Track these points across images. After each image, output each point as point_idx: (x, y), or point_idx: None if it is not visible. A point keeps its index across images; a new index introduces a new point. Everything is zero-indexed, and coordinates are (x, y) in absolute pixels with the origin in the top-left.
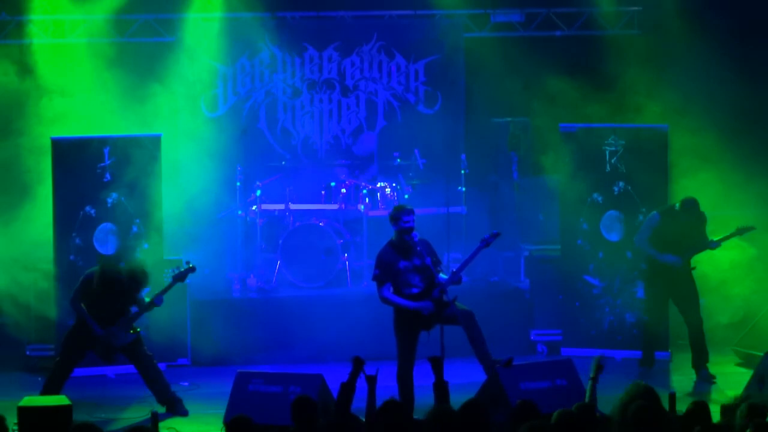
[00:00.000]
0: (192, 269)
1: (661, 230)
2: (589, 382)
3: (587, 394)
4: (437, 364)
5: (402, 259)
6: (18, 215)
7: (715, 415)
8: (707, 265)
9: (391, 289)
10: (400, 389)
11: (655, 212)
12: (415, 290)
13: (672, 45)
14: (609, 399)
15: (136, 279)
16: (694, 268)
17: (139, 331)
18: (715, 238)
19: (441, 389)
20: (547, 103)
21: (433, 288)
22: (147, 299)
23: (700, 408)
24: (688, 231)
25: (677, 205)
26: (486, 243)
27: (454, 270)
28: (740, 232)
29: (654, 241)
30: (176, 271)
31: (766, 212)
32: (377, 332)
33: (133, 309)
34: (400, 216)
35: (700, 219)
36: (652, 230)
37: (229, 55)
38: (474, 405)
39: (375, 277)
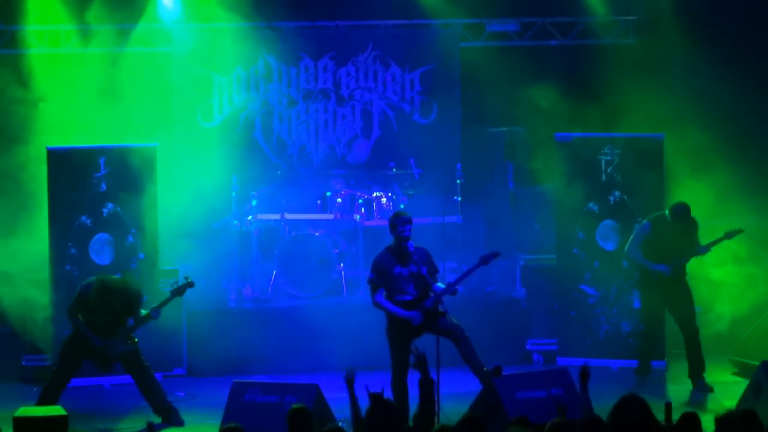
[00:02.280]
0: (190, 284)
1: (652, 239)
2: (581, 395)
3: (583, 408)
4: (421, 364)
5: (398, 266)
6: (16, 225)
7: (708, 424)
8: (712, 271)
9: (384, 294)
10: (394, 397)
11: (645, 221)
12: (407, 297)
13: (667, 54)
14: (604, 409)
15: (130, 300)
16: (687, 274)
17: (137, 342)
18: (705, 244)
19: (426, 386)
20: (543, 113)
21: (426, 297)
22: (144, 312)
23: (690, 420)
24: (680, 238)
25: (667, 212)
26: (484, 262)
27: (450, 282)
28: (729, 236)
29: (645, 250)
30: (174, 286)
31: (764, 222)
32: (373, 341)
33: (130, 321)
34: (396, 225)
35: (692, 225)
36: (643, 239)
37: (225, 65)
38: (471, 421)
39: (369, 281)
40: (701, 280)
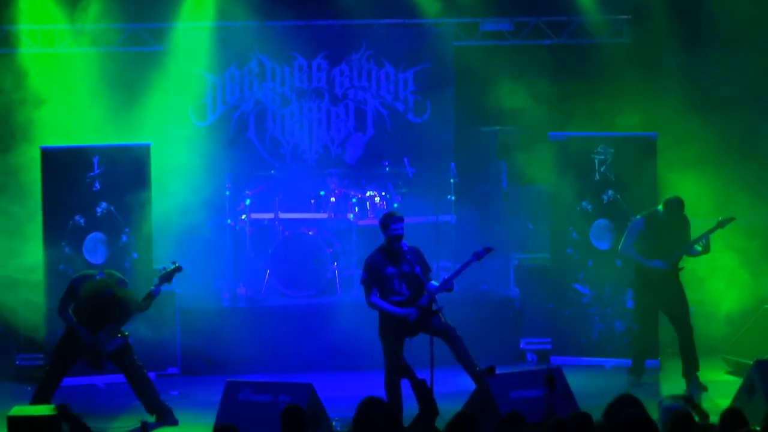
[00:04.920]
0: (178, 269)
1: (646, 235)
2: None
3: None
4: (407, 372)
5: (390, 265)
6: (9, 224)
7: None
8: (699, 270)
9: (378, 294)
10: (387, 396)
11: (639, 217)
12: (400, 298)
13: (661, 53)
14: (597, 408)
15: (118, 294)
16: (681, 269)
17: (127, 335)
18: (698, 235)
19: (421, 390)
20: (536, 112)
21: (421, 296)
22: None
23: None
24: (673, 234)
25: (660, 207)
26: (478, 257)
27: (446, 278)
28: (721, 224)
29: (639, 247)
30: (162, 272)
31: (759, 220)
32: (366, 341)
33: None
34: (389, 224)
35: (684, 221)
36: (638, 235)
37: (218, 64)
38: (464, 417)
39: (363, 282)
40: (696, 279)
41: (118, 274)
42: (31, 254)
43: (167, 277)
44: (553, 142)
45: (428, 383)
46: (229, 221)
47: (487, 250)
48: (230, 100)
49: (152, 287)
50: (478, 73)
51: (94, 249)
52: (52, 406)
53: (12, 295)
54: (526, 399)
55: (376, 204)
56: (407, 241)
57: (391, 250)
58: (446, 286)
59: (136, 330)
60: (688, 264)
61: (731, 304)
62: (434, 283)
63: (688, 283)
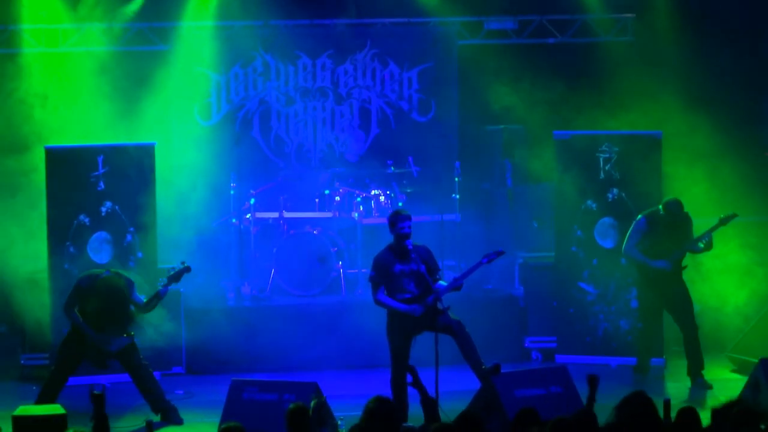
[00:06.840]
0: (187, 269)
1: (649, 234)
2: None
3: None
4: (416, 381)
5: (398, 263)
6: (14, 223)
7: (706, 420)
8: (707, 268)
9: (385, 292)
10: (393, 395)
11: (641, 217)
12: (408, 295)
13: (665, 51)
14: (603, 407)
15: (123, 292)
16: (685, 267)
17: (133, 335)
18: (701, 233)
19: (429, 407)
20: (541, 110)
21: (427, 295)
22: (145, 299)
23: (688, 415)
24: (675, 232)
25: (660, 207)
26: (489, 260)
27: (456, 278)
28: (723, 222)
29: (643, 247)
30: (171, 272)
31: (764, 219)
32: (371, 340)
33: (131, 307)
34: (396, 222)
35: (686, 220)
36: (641, 235)
37: (223, 64)
38: (469, 416)
39: (370, 279)
40: (708, 277)
41: (125, 273)
42: (36, 253)
43: (175, 277)
44: (558, 141)
45: (433, 394)
46: (233, 220)
47: (498, 253)
48: (235, 99)
49: (159, 287)
50: (482, 72)
51: (99, 248)
52: (58, 406)
53: (17, 294)
54: (530, 398)
55: (381, 203)
56: (413, 240)
57: (399, 248)
58: (454, 285)
59: (142, 329)
60: (700, 262)
61: (743, 302)
62: (443, 283)
63: (700, 281)
